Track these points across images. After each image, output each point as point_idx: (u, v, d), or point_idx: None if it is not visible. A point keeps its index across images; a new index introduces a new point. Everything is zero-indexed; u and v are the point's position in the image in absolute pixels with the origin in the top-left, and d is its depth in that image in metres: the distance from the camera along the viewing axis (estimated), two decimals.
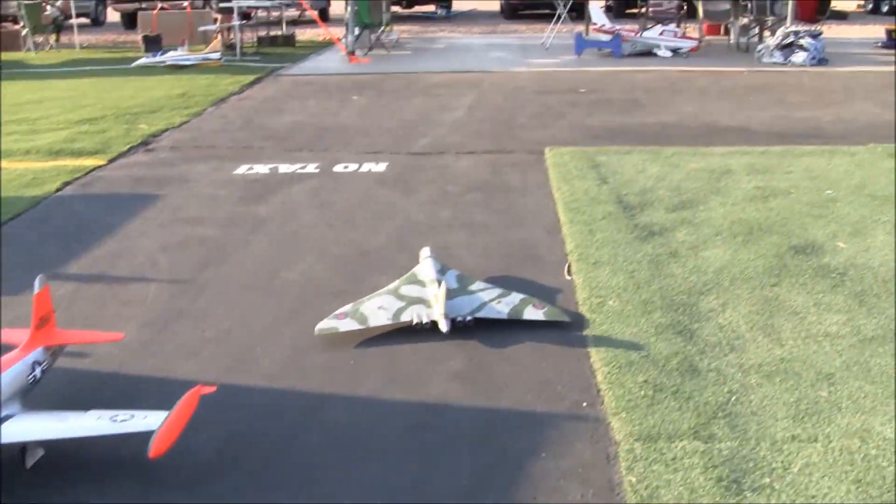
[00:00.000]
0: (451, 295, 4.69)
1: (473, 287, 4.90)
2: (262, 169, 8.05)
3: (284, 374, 4.18)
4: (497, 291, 4.85)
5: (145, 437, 3.21)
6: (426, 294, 4.78)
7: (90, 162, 8.42)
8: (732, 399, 3.83)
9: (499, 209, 6.67)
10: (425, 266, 5.06)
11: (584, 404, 3.85)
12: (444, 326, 4.47)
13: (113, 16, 25.78)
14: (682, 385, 3.94)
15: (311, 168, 8.04)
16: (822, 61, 14.91)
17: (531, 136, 9.25)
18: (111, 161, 8.52)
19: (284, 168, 8.05)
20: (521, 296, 4.80)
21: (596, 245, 5.72)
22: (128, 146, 9.07)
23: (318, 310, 4.73)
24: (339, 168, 8.02)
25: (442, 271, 5.01)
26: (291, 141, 9.24)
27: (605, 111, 10.65)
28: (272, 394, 4.02)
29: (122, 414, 3.47)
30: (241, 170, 8.05)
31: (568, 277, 5.26)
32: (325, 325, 4.55)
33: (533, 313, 4.66)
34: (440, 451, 3.54)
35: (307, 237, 6.13)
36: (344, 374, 4.17)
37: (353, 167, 8.05)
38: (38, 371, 3.69)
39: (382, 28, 17.76)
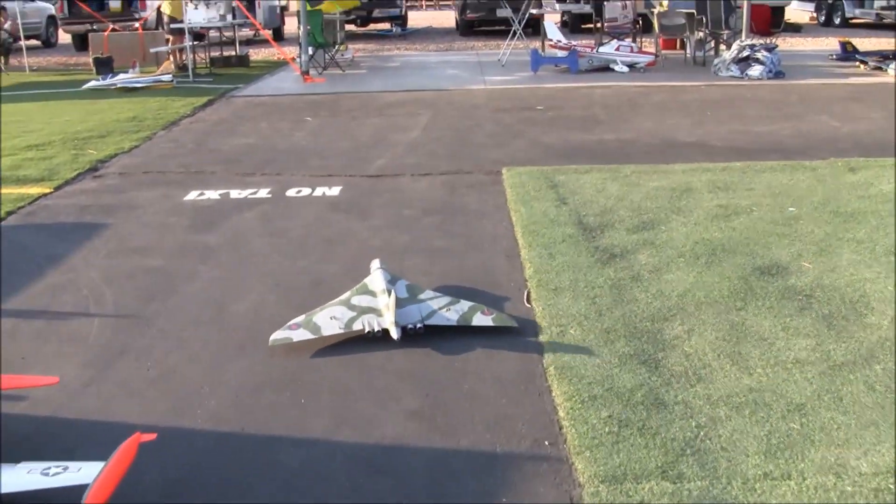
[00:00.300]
0: (401, 304, 4.84)
1: (423, 296, 5.02)
2: (212, 195, 7.83)
3: (231, 415, 3.97)
4: (446, 299, 4.97)
5: (80, 489, 3.01)
6: (377, 304, 4.88)
7: (35, 190, 8.14)
8: (701, 434, 3.67)
9: (456, 233, 6.49)
10: (376, 277, 5.17)
11: (546, 443, 3.67)
12: (395, 334, 4.58)
13: (64, 37, 25.39)
14: (647, 420, 3.77)
15: (263, 193, 7.82)
16: (778, 74, 14.92)
17: (488, 155, 9.09)
18: (57, 189, 8.24)
19: (236, 193, 7.83)
20: (469, 303, 4.92)
21: (556, 270, 5.56)
22: (75, 173, 8.81)
23: (268, 344, 4.57)
24: (291, 192, 7.82)
25: (392, 281, 5.11)
26: (243, 165, 9.02)
27: (562, 128, 10.52)
28: (218, 436, 3.80)
29: (56, 466, 3.26)
30: (192, 196, 7.82)
31: (527, 305, 5.08)
32: (278, 335, 4.63)
33: (482, 319, 4.78)
34: (394, 496, 3.34)
35: (258, 266, 5.91)
36: (294, 413, 3.96)
37: (306, 191, 7.85)
38: None
39: (337, 47, 17.59)
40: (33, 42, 26.36)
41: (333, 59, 16.93)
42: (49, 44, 26.91)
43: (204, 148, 9.99)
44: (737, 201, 7.10)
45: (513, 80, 14.97)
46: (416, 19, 29.21)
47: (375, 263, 5.37)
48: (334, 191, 7.83)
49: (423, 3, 42.06)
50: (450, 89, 14.05)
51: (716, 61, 15.79)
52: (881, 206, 6.91)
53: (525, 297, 5.19)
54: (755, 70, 14.93)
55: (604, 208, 6.94)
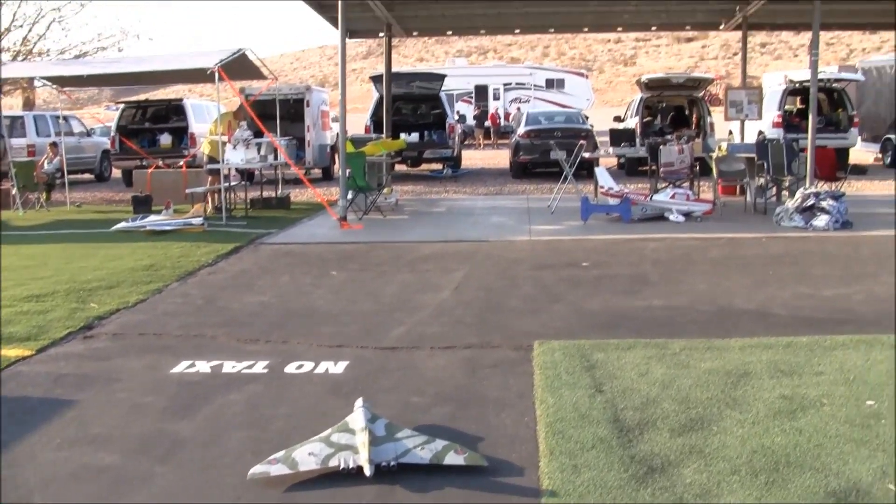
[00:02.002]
0: (378, 441, 4.98)
1: (400, 434, 5.13)
2: (203, 367, 6.94)
3: None
4: (422, 438, 5.09)
5: None
6: (355, 441, 4.99)
7: (14, 352, 7.38)
8: None
9: (466, 434, 5.44)
10: (357, 415, 5.28)
11: None
12: (368, 471, 4.70)
13: (118, 172, 25.38)
14: None
15: (260, 367, 6.91)
16: (845, 224, 13.92)
17: (521, 324, 8.12)
18: (40, 351, 7.48)
19: (230, 366, 6.93)
20: (444, 442, 5.04)
21: (579, 492, 4.51)
22: (66, 331, 8.06)
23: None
24: (291, 368, 6.89)
25: (372, 420, 5.22)
26: (249, 328, 8.15)
27: (607, 291, 9.55)
28: None
29: None
30: (180, 367, 6.95)
31: None
32: (257, 469, 4.80)
33: (454, 458, 4.90)
34: None
35: (227, 470, 4.95)
36: None
37: (308, 366, 6.91)
38: None
39: (380, 190, 16.94)
40: (87, 176, 26.40)
41: (374, 203, 16.21)
42: (102, 178, 26.97)
43: (213, 306, 9.17)
44: (803, 391, 6.05)
45: (560, 230, 14.09)
46: (471, 158, 28.69)
47: (359, 402, 5.45)
48: (339, 367, 6.88)
49: (482, 141, 41.79)
50: (492, 240, 13.17)
51: (778, 210, 14.83)
52: None
53: None
54: (821, 220, 13.94)
55: (646, 399, 5.91)
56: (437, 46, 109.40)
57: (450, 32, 26.89)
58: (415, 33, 24.25)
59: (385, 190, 17.52)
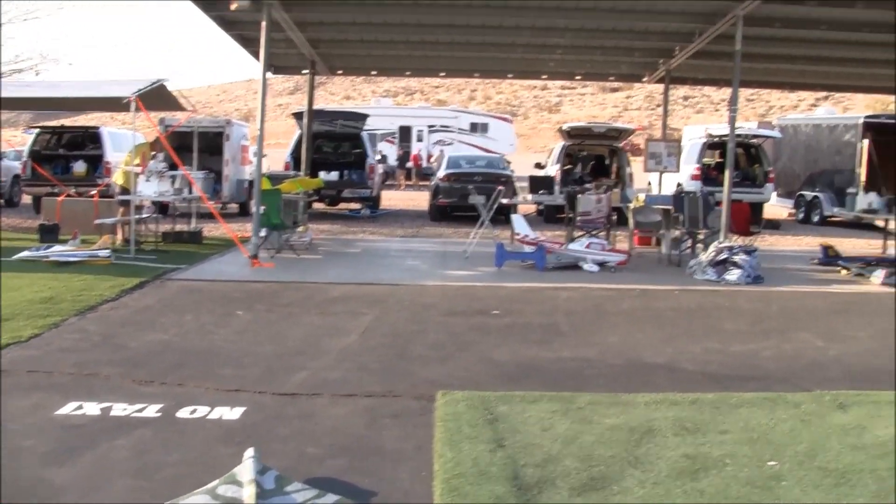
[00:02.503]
0: (266, 495, 4.83)
1: (290, 488, 4.99)
2: (92, 409, 6.64)
3: None
4: (313, 492, 4.97)
5: None
6: (241, 494, 4.82)
7: None
8: None
9: (360, 486, 5.24)
10: (246, 466, 5.10)
11: None
12: None
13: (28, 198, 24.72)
14: None
15: (152, 411, 6.63)
16: (757, 279, 14.07)
17: (426, 373, 7.95)
18: None
19: (120, 409, 6.64)
20: (335, 497, 4.94)
21: None
22: None
23: None
24: (184, 412, 6.61)
25: (262, 472, 5.07)
26: (145, 368, 7.84)
27: (517, 340, 9.43)
28: None
29: None
30: (68, 408, 6.64)
31: None
32: None
33: None
34: None
35: None
36: None
37: (202, 411, 6.65)
38: None
39: (296, 229, 16.69)
40: None
41: (288, 242, 15.95)
42: (12, 203, 26.22)
43: (111, 343, 8.84)
44: (707, 450, 5.99)
45: (474, 276, 13.98)
46: (391, 199, 28.52)
47: (249, 452, 5.27)
48: (235, 413, 6.63)
49: (403, 182, 41.73)
50: (404, 284, 12.97)
51: (691, 263, 14.94)
52: (879, 461, 5.83)
53: None
54: (733, 275, 14.06)
55: (548, 455, 5.78)
56: (365, 85, 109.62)
57: (375, 73, 26.84)
58: (340, 72, 24.13)
59: (300, 228, 17.27)
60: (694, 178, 24.19)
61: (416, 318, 10.52)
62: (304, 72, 22.01)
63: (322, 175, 22.97)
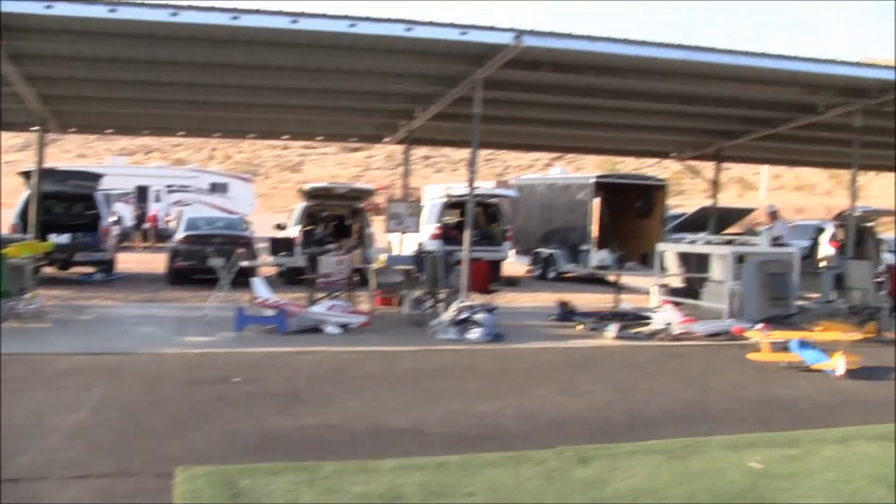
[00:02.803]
0: None
1: None
2: None
3: None
4: None
5: None
6: None
7: None
8: None
9: None
10: None
11: None
12: None
13: None
14: None
15: None
16: (497, 337, 14.44)
17: (164, 448, 7.56)
18: None
19: None
20: None
21: None
22: None
23: None
24: None
25: None
26: None
27: (259, 408, 9.17)
28: None
29: None
30: None
31: None
32: None
33: None
34: None
35: None
36: None
37: None
38: None
39: (22, 296, 15.66)
40: None
41: (14, 310, 14.94)
42: None
43: None
44: None
45: (214, 342, 13.55)
46: (127, 261, 27.36)
47: None
48: None
49: (140, 243, 40.32)
50: (140, 353, 12.39)
51: (433, 322, 15.14)
52: None
53: None
54: (474, 333, 14.36)
55: None
56: (100, 143, 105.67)
57: (111, 131, 25.91)
58: (73, 130, 23.11)
59: (28, 295, 16.23)
60: (434, 237, 24.64)
61: (153, 389, 10.03)
62: (33, 129, 20.90)
63: (52, 238, 21.79)
